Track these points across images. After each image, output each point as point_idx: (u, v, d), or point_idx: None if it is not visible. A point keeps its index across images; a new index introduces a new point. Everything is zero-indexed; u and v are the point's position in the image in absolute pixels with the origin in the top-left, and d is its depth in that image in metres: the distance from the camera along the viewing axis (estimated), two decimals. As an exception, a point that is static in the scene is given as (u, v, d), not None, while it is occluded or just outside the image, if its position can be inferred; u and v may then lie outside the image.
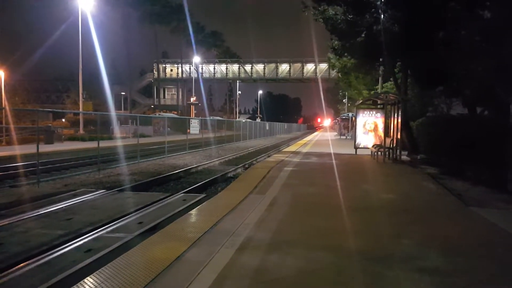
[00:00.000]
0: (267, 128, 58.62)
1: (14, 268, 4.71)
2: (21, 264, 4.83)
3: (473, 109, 15.62)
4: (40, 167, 11.98)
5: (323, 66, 65.15)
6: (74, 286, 3.45)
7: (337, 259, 4.24)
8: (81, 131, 37.14)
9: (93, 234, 6.06)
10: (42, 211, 7.66)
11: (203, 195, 9.68)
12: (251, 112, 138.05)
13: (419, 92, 20.00)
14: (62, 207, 8.09)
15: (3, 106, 34.84)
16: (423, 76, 16.24)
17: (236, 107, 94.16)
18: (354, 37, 17.33)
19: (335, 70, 30.82)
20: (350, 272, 3.90)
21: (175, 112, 67.70)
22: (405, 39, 14.66)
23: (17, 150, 18.84)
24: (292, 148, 23.35)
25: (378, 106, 17.44)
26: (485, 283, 3.73)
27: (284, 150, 22.87)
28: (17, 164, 15.20)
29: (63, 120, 50.54)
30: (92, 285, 3.46)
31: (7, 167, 14.72)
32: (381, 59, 18.94)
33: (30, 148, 17.50)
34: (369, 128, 17.09)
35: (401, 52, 16.04)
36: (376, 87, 27.79)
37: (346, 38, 17.96)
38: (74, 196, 9.31)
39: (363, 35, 16.89)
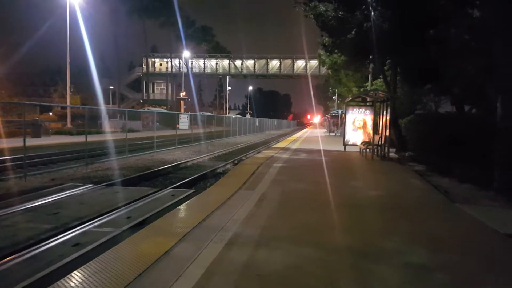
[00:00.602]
0: (257, 124, 58.60)
1: (0, 262, 4.65)
2: (8, 258, 4.78)
3: (461, 107, 15.80)
4: (27, 161, 11.84)
5: (314, 62, 65.29)
6: (62, 280, 3.42)
7: (325, 254, 4.27)
8: (69, 125, 36.77)
9: (80, 229, 6.01)
10: (29, 205, 7.58)
11: (192, 191, 9.66)
12: (241, 108, 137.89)
13: (408, 90, 20.14)
14: (50, 201, 8.01)
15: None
16: (413, 74, 16.36)
17: (226, 103, 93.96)
18: (344, 34, 17.37)
19: (325, 67, 30.95)
20: (337, 267, 3.94)
21: (165, 107, 67.29)
22: (395, 37, 14.73)
23: (4, 143, 18.57)
24: (282, 144, 23.39)
25: (368, 104, 17.53)
26: (469, 278, 3.79)
27: (273, 146, 22.90)
28: (3, 157, 15.00)
29: (50, 113, 49.90)
30: (79, 279, 3.44)
31: (-7, 161, 14.52)
32: (371, 57, 19.01)
33: (17, 142, 17.27)
34: (358, 125, 17.18)
35: (391, 49, 16.12)
36: (366, 84, 27.95)
37: (337, 35, 17.99)
38: (62, 190, 9.22)
39: (353, 32, 16.93)
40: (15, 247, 5.21)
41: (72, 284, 3.35)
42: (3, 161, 14.29)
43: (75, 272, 3.61)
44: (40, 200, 8.03)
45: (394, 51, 16.12)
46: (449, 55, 13.35)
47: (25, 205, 7.52)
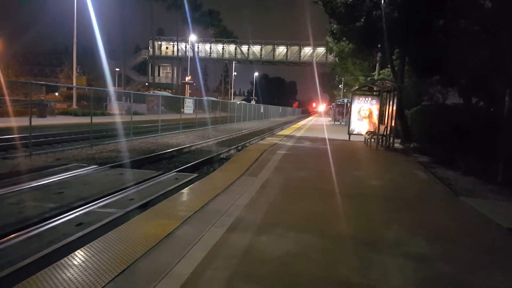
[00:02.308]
0: (262, 111, 58.49)
1: (4, 239, 4.71)
2: (12, 235, 4.84)
3: (468, 99, 15.69)
4: (32, 140, 11.90)
5: (321, 50, 64.78)
6: (65, 258, 3.47)
7: (326, 242, 4.29)
8: (74, 106, 36.85)
9: (84, 209, 6.06)
10: (34, 183, 7.64)
11: (195, 175, 9.70)
12: (246, 94, 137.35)
13: (416, 80, 20.00)
14: (54, 180, 8.08)
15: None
16: (421, 64, 16.22)
17: (231, 89, 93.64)
18: (353, 22, 17.19)
19: (332, 55, 30.70)
20: (338, 255, 3.96)
21: (169, 91, 67.12)
22: (405, 26, 14.57)
23: (10, 122, 18.66)
24: (286, 132, 23.36)
25: (374, 93, 17.42)
26: (470, 271, 3.81)
27: (278, 133, 22.88)
28: (9, 136, 15.10)
29: (56, 94, 50.02)
30: (82, 258, 3.48)
31: (-1, 139, 14.63)
32: (379, 45, 18.84)
33: (23, 121, 17.34)
34: (364, 114, 17.10)
35: (399, 39, 15.96)
36: (373, 73, 27.71)
37: (345, 22, 17.81)
38: (66, 170, 9.28)
39: (362, 20, 16.76)
40: (19, 225, 5.26)
41: (75, 263, 3.39)
42: (9, 139, 14.39)
43: (78, 251, 3.65)
44: (45, 179, 8.09)
45: (403, 41, 15.95)
46: (458, 46, 13.20)
47: (30, 184, 7.59)
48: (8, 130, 16.65)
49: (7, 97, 26.82)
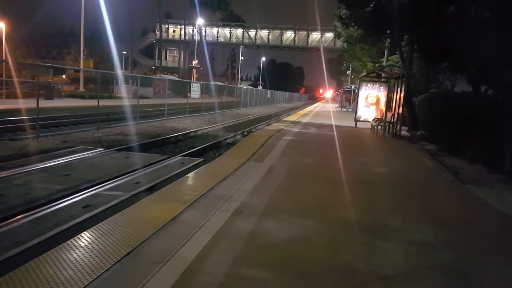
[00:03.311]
0: (268, 96, 58.26)
1: (12, 220, 4.77)
2: (19, 216, 4.90)
3: (477, 87, 15.50)
4: (39, 122, 11.96)
5: (329, 35, 64.15)
6: (72, 239, 3.51)
7: (331, 228, 4.31)
8: (81, 89, 36.89)
9: (91, 191, 6.11)
10: (41, 165, 7.71)
11: (200, 159, 9.72)
12: (252, 79, 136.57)
13: (425, 67, 19.78)
14: (61, 163, 8.14)
15: (4, 59, 34.37)
16: (430, 50, 16.01)
17: (238, 73, 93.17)
18: (362, 7, 16.98)
19: (340, 40, 30.37)
20: (342, 241, 3.98)
21: (176, 75, 67.00)
22: (414, 12, 14.35)
23: (17, 104, 18.76)
24: (292, 117, 23.30)
25: (382, 80, 17.28)
26: (473, 258, 3.81)
27: (284, 119, 22.82)
28: (16, 118, 15.19)
29: (63, 76, 50.04)
30: (89, 240, 3.52)
31: (6, 121, 14.72)
32: (388, 31, 18.61)
33: (30, 103, 17.41)
34: (371, 101, 16.99)
35: (409, 25, 15.74)
36: (381, 60, 27.44)
37: (354, 7, 17.60)
38: (73, 152, 9.34)
39: (371, 5, 16.52)
40: (26, 206, 5.32)
41: (82, 244, 3.43)
42: (17, 121, 14.48)
43: (85, 232, 3.69)
44: (51, 161, 8.16)
45: (412, 27, 15.73)
46: (468, 32, 12.99)
47: (37, 166, 7.65)
48: (15, 112, 16.74)
49: (15, 79, 26.94)
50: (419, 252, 3.80)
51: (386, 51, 25.84)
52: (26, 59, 45.09)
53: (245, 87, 49.56)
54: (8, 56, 36.50)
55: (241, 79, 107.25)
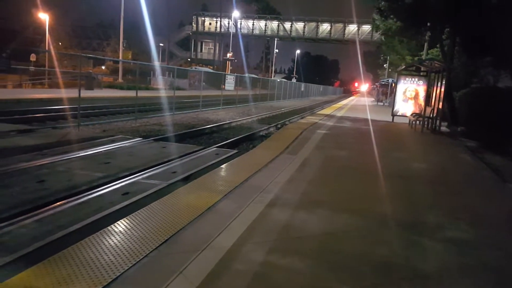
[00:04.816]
0: (302, 89, 57.82)
1: (55, 205, 4.98)
2: (62, 202, 5.11)
3: (522, 83, 14.81)
4: (80, 112, 12.38)
5: (366, 28, 62.78)
6: (112, 225, 3.64)
7: (365, 223, 4.26)
8: (120, 80, 37.84)
9: (130, 179, 6.29)
10: (82, 153, 7.99)
11: (235, 151, 9.79)
12: (286, 72, 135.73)
13: (466, 61, 19.05)
14: (101, 151, 8.41)
15: (47, 49, 35.70)
16: (472, 44, 15.41)
17: (272, 66, 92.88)
18: (402, -2, 16.50)
19: (378, 33, 29.64)
20: (376, 237, 3.92)
21: (211, 67, 67.54)
22: (457, 2, 13.82)
23: (59, 93, 19.47)
24: (327, 111, 23.05)
25: (421, 74, 16.79)
26: (516, 260, 3.68)
27: (318, 112, 22.62)
28: (58, 107, 15.80)
29: (103, 67, 51.52)
30: (128, 226, 3.65)
31: (49, 109, 15.35)
32: (428, 24, 18.01)
33: (71, 93, 18.04)
34: (410, 95, 16.55)
35: (450, 17, 15.17)
36: (421, 53, 26.63)
37: (394, -1, 17.12)
38: (112, 141, 9.62)
39: (412, -3, 16.03)
40: (69, 192, 5.54)
41: (121, 230, 3.56)
42: (58, 110, 15.06)
43: (124, 219, 3.82)
44: (92, 149, 8.44)
45: (454, 19, 15.15)
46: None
47: (79, 153, 7.94)
48: (57, 101, 17.39)
49: (57, 69, 27.94)
50: (458, 250, 3.71)
51: (425, 44, 25.05)
52: (68, 50, 46.67)
53: (278, 80, 49.35)
54: (51, 47, 37.90)
55: (275, 72, 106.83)
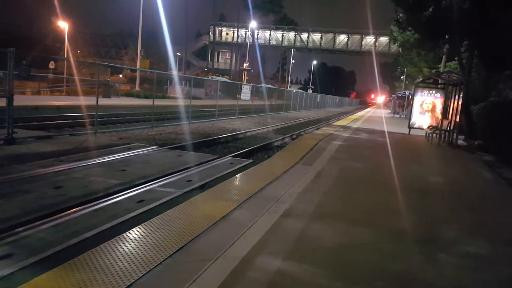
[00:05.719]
0: (318, 100, 57.73)
1: (71, 211, 5.05)
2: (78, 208, 5.17)
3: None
4: (97, 119, 12.57)
5: (383, 39, 62.68)
6: (127, 232, 3.67)
7: (380, 237, 4.21)
8: (137, 88, 38.32)
9: (145, 187, 6.34)
10: (99, 160, 8.09)
11: (250, 161, 9.80)
12: (302, 82, 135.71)
13: (484, 74, 18.82)
14: (117, 158, 8.50)
15: (66, 57, 36.44)
16: (491, 58, 15.24)
17: (288, 76, 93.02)
18: (420, 11, 16.44)
19: (396, 45, 29.54)
20: (391, 251, 3.87)
21: (227, 77, 68.00)
22: (476, 17, 13.71)
23: (77, 101, 19.82)
24: (342, 122, 22.95)
25: (439, 86, 16.62)
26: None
27: (334, 123, 22.54)
28: (76, 114, 16.07)
29: (120, 76, 52.31)
30: (143, 233, 3.67)
31: (67, 116, 15.62)
32: (447, 37, 17.89)
33: (89, 100, 18.32)
34: (427, 108, 16.38)
35: (469, 30, 15.05)
36: (439, 66, 26.42)
37: (412, 11, 17.07)
38: (129, 149, 9.73)
39: (430, 9, 15.96)
40: (85, 198, 5.60)
41: (136, 237, 3.58)
42: (76, 117, 15.32)
43: (139, 226, 3.85)
44: (108, 156, 8.54)
45: (473, 32, 15.02)
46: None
47: (95, 160, 8.04)
48: (75, 108, 17.69)
49: (75, 77, 28.47)
50: (474, 266, 3.63)
51: (444, 57, 24.85)
52: (86, 58, 47.54)
53: (294, 90, 49.35)
54: (70, 55, 38.69)
55: (291, 82, 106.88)
